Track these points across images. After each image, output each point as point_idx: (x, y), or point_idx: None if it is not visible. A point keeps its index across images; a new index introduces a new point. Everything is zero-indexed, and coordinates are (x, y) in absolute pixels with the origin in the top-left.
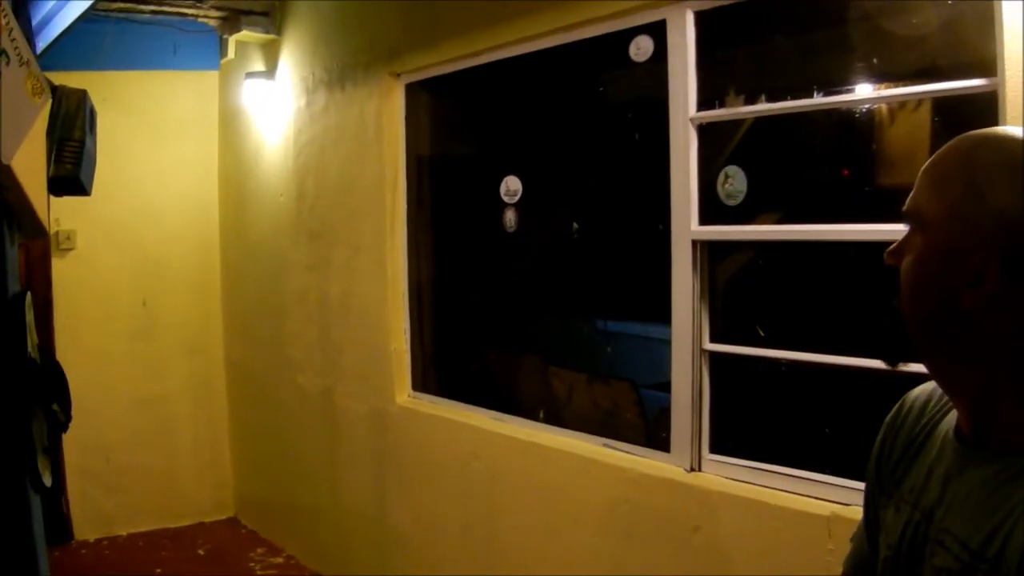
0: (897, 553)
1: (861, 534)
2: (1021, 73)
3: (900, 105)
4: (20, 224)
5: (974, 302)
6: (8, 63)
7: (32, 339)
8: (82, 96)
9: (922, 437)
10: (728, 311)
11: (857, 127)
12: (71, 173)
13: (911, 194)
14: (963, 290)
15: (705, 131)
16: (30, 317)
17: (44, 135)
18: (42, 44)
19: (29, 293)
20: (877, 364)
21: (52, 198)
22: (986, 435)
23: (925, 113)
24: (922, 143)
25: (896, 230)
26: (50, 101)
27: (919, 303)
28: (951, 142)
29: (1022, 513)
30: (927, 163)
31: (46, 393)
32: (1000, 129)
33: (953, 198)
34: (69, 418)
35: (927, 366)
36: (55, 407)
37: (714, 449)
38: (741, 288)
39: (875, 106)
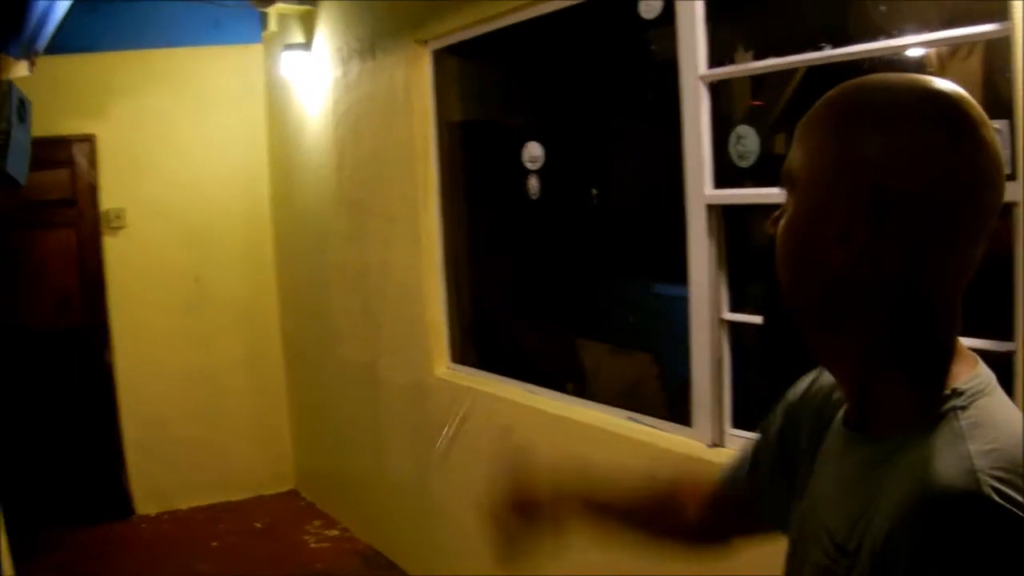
0: (793, 548)
1: (746, 452)
2: None
3: (951, 53)
4: None
5: (842, 262)
6: None
7: None
8: (8, 88)
9: (825, 421)
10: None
11: None
12: None
13: (788, 156)
14: (831, 249)
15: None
16: None
17: None
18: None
19: None
20: None
21: (101, 178)
22: (865, 416)
23: (976, 62)
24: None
25: None
26: None
27: (791, 268)
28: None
29: (880, 502)
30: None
31: None
32: (872, 76)
33: (817, 151)
34: None
35: (808, 341)
36: None
37: (737, 424)
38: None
39: (924, 54)
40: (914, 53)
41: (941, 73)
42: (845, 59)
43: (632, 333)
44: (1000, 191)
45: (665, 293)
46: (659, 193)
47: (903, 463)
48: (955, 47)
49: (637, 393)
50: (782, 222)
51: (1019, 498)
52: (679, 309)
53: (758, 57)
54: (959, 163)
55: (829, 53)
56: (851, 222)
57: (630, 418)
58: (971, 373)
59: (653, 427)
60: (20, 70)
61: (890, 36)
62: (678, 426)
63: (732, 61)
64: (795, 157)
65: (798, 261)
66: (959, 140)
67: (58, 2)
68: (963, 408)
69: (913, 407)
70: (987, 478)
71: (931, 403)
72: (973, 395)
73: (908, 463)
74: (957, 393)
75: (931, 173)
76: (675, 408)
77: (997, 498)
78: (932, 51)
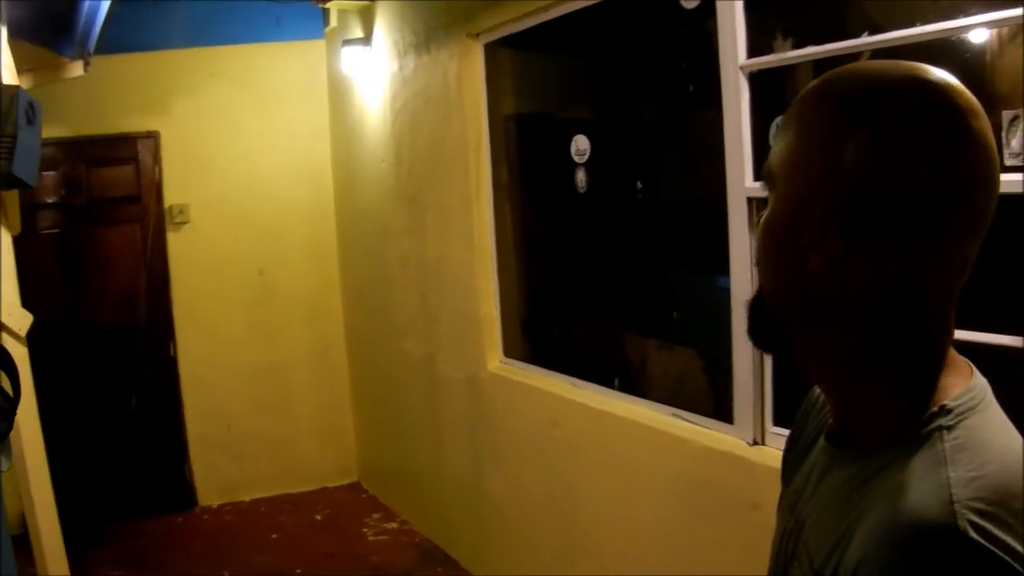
0: (775, 566)
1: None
2: None
3: (1011, 36)
4: None
5: (818, 267)
6: None
7: None
8: (15, 92)
9: (815, 434)
10: None
11: (954, 61)
12: (3, 168)
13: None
14: (806, 253)
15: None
16: None
17: None
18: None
19: None
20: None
21: (165, 174)
22: (850, 431)
23: None
24: None
25: None
26: None
27: (769, 270)
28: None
29: (856, 528)
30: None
31: None
32: (854, 65)
33: (793, 147)
34: (17, 399)
35: (792, 348)
36: None
37: (778, 421)
38: None
39: (987, 37)
40: (977, 37)
41: (1000, 58)
42: (887, 45)
43: (678, 327)
44: (992, 186)
45: (720, 286)
46: (703, 186)
47: (881, 487)
48: (1016, 30)
49: (682, 389)
50: (760, 222)
51: (999, 534)
52: (726, 302)
53: (798, 46)
54: (943, 159)
55: (868, 40)
56: (826, 225)
57: (674, 414)
58: (964, 387)
59: (696, 424)
60: (75, 70)
61: (932, 21)
62: (720, 423)
63: (772, 50)
64: (775, 152)
65: (774, 264)
66: (943, 133)
67: (103, 1)
68: (949, 428)
69: (896, 424)
70: (965, 511)
71: (915, 420)
72: (962, 413)
73: (885, 488)
74: (944, 411)
75: (911, 170)
76: (719, 404)
77: (973, 533)
78: (994, 33)
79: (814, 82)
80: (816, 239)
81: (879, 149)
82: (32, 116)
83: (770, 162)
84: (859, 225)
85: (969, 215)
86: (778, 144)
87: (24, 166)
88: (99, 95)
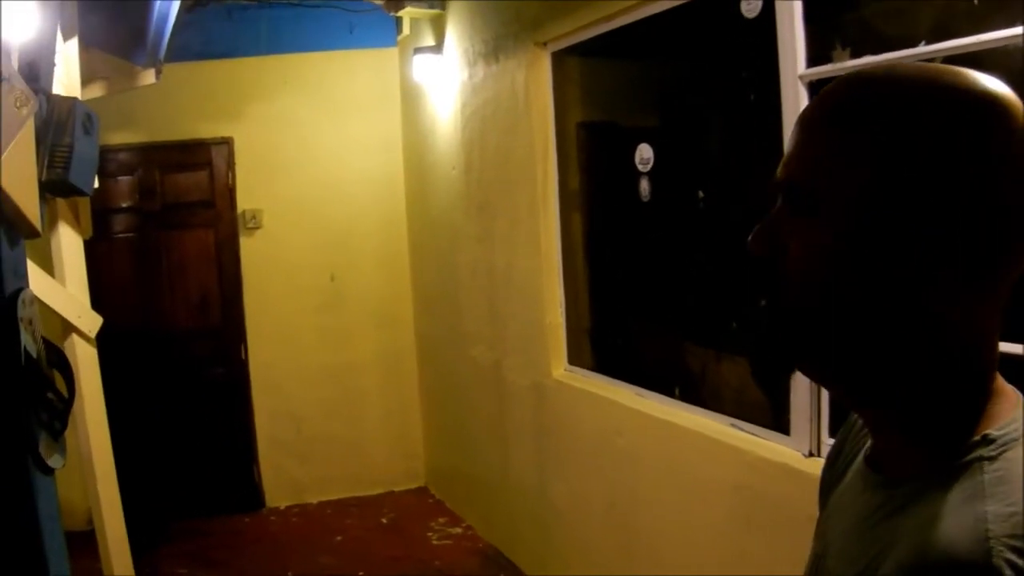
0: None
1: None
2: None
3: None
4: (13, 226)
5: (854, 288)
6: None
7: (31, 333)
8: (72, 103)
9: (851, 455)
10: None
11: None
12: (60, 177)
13: (786, 159)
14: (847, 274)
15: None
16: (28, 312)
17: (32, 142)
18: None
19: (28, 290)
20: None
21: (238, 180)
22: (887, 455)
23: None
24: None
25: None
26: (36, 111)
27: (829, 303)
28: (841, 87)
29: (885, 560)
30: (807, 115)
31: (39, 385)
32: (880, 67)
33: (863, 167)
34: (72, 399)
35: (824, 369)
36: (50, 395)
37: (834, 434)
38: None
39: None
40: None
41: None
42: (945, 54)
43: (737, 337)
44: None
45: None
46: (763, 196)
47: (914, 518)
48: None
49: (741, 399)
50: (800, 248)
51: None
52: None
53: (856, 55)
54: (985, 174)
55: (925, 49)
56: (862, 245)
57: (732, 424)
58: (1009, 416)
59: (753, 434)
60: (148, 78)
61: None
62: (777, 434)
63: (830, 60)
64: (813, 167)
65: (843, 296)
66: (974, 149)
67: (171, 7)
68: (990, 459)
69: (934, 452)
70: (1002, 548)
71: (955, 449)
72: (1005, 444)
73: (919, 519)
74: (987, 440)
75: (936, 192)
76: (777, 415)
77: (1010, 572)
78: None
79: (830, 87)
80: (854, 263)
81: (897, 170)
82: (89, 126)
83: (806, 179)
84: (893, 251)
85: (1006, 235)
86: (803, 154)
87: (80, 175)
88: (174, 102)
